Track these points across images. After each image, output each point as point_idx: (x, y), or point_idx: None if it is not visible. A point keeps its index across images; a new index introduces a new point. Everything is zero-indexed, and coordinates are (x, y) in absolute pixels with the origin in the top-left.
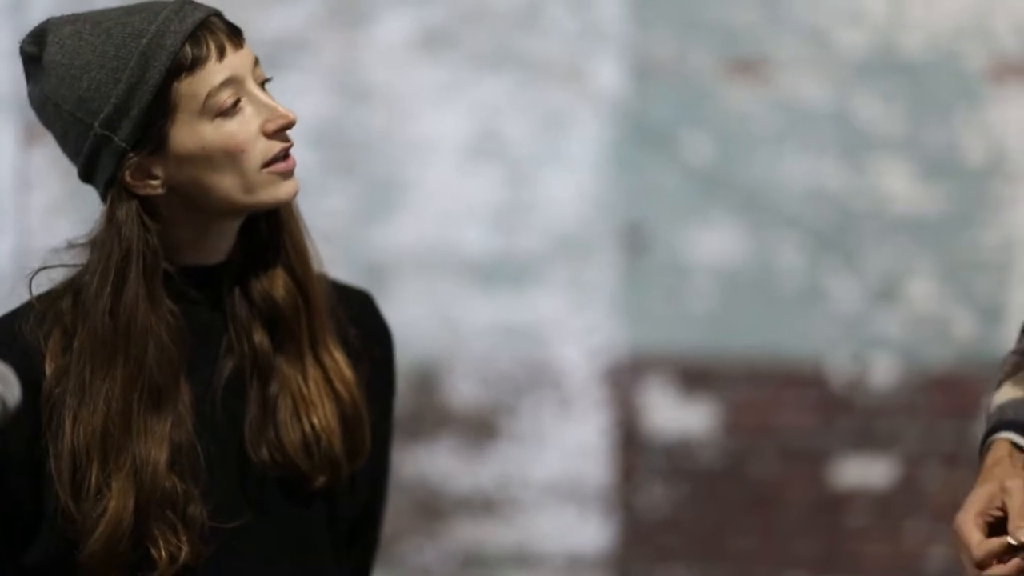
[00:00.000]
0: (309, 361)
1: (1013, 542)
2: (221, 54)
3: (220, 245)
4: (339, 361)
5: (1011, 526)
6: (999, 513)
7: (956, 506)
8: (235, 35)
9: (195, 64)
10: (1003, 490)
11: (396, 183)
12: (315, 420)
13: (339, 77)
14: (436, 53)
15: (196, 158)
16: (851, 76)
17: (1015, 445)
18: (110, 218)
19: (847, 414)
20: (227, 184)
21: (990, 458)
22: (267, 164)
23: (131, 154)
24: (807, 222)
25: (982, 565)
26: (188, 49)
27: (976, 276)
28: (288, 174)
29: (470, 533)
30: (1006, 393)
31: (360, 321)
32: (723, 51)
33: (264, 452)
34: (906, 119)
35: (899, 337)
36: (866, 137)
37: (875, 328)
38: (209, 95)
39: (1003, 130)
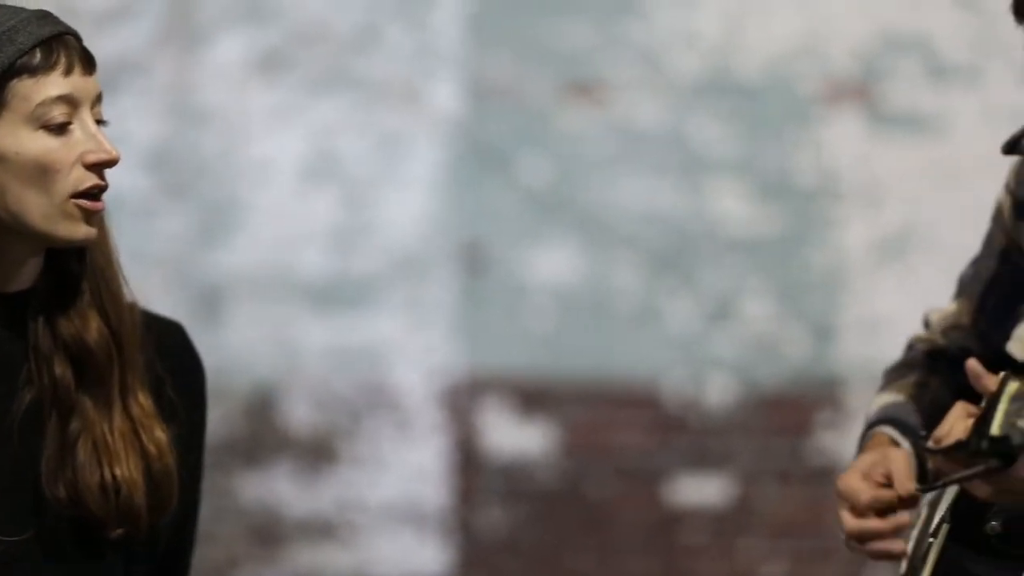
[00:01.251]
0: (117, 410)
1: (903, 493)
2: (68, 71)
3: (21, 272)
4: (149, 412)
5: (896, 483)
6: (881, 479)
7: (791, 523)
8: (88, 62)
9: (38, 69)
10: (886, 457)
11: (232, 205)
12: (117, 471)
13: (174, 99)
14: (272, 75)
15: (8, 163)
16: (686, 98)
17: (892, 439)
18: None
19: (682, 433)
20: (29, 202)
21: (870, 443)
22: (76, 195)
23: None
24: (643, 243)
25: (863, 512)
26: (37, 52)
27: (809, 296)
28: (91, 217)
29: (308, 557)
30: (885, 397)
31: (171, 353)
32: (560, 73)
33: (60, 490)
34: (740, 141)
35: (733, 357)
36: (701, 159)
37: (710, 348)
38: (42, 104)
39: (835, 152)
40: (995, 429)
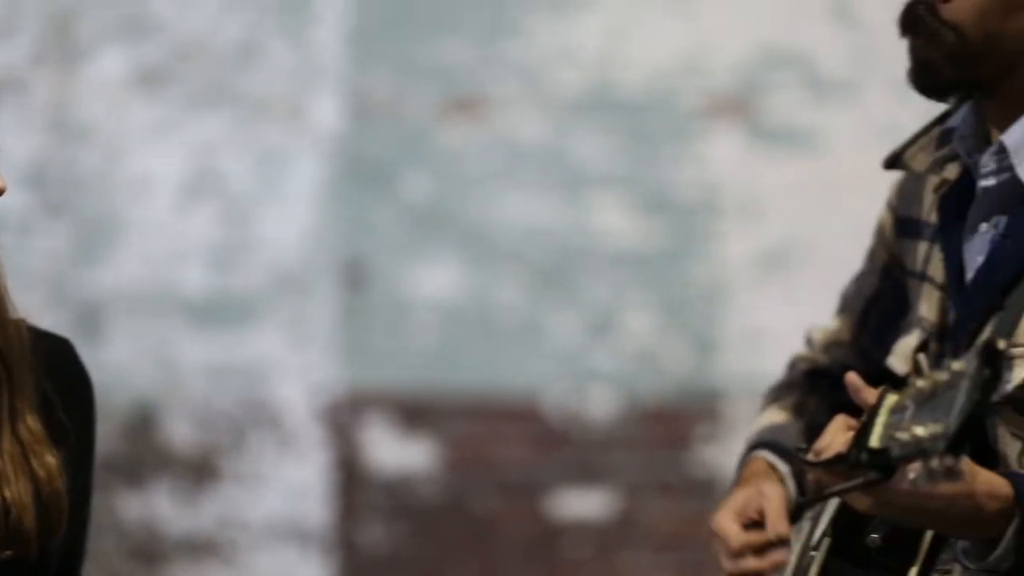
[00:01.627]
0: (6, 435)
1: (773, 537)
2: None
3: None
4: (39, 436)
5: (769, 523)
6: (755, 516)
7: (673, 536)
8: None
9: None
10: (760, 494)
11: (112, 222)
12: (6, 494)
13: (53, 115)
14: (152, 91)
15: None
16: (567, 114)
17: (770, 464)
18: None
19: (565, 447)
20: None
21: (748, 471)
22: None
23: None
24: (525, 258)
25: (738, 555)
26: None
27: (690, 309)
28: None
29: (190, 575)
30: (767, 417)
31: (59, 371)
32: (441, 89)
33: None
34: (622, 156)
35: (616, 370)
36: (583, 174)
37: (592, 362)
38: None
39: (716, 166)
40: (874, 441)
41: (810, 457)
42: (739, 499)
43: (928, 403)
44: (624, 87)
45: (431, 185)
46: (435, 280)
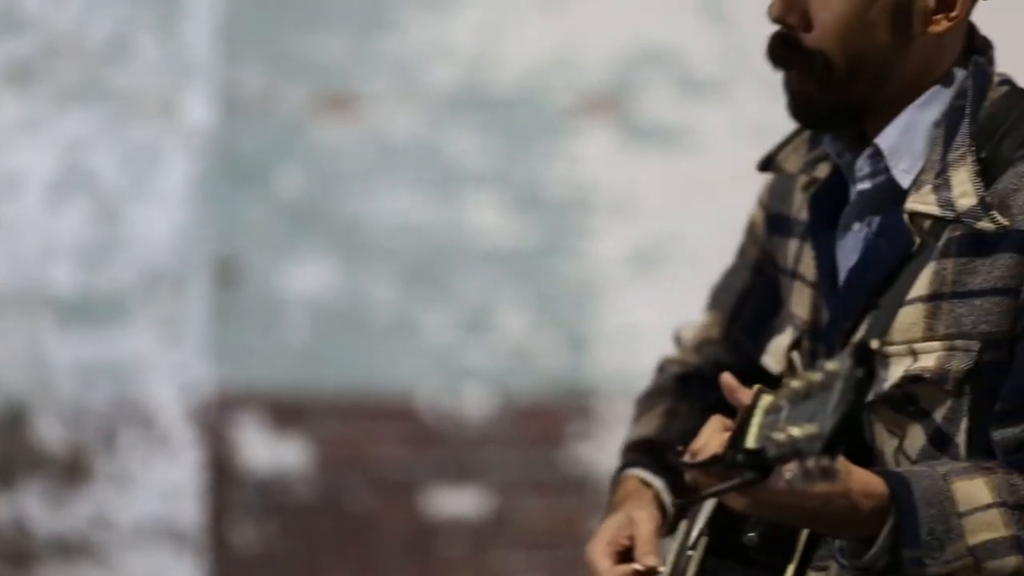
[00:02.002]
0: None
1: (640, 568)
2: None
3: None
4: None
5: (638, 553)
6: (627, 542)
7: (548, 534)
8: None
9: None
10: (631, 520)
11: None
12: None
13: None
14: (21, 87)
15: None
16: (441, 110)
17: (643, 481)
18: None
19: (439, 445)
20: None
21: (620, 492)
22: None
23: None
24: (399, 255)
25: None
26: None
27: (563, 307)
28: None
29: None
30: (639, 428)
31: None
32: (313, 85)
33: None
34: (495, 153)
35: (490, 368)
36: (456, 171)
37: (466, 360)
38: None
39: (589, 164)
40: (750, 442)
41: (686, 458)
42: (610, 527)
43: (803, 403)
44: (497, 84)
45: (304, 181)
46: (308, 277)
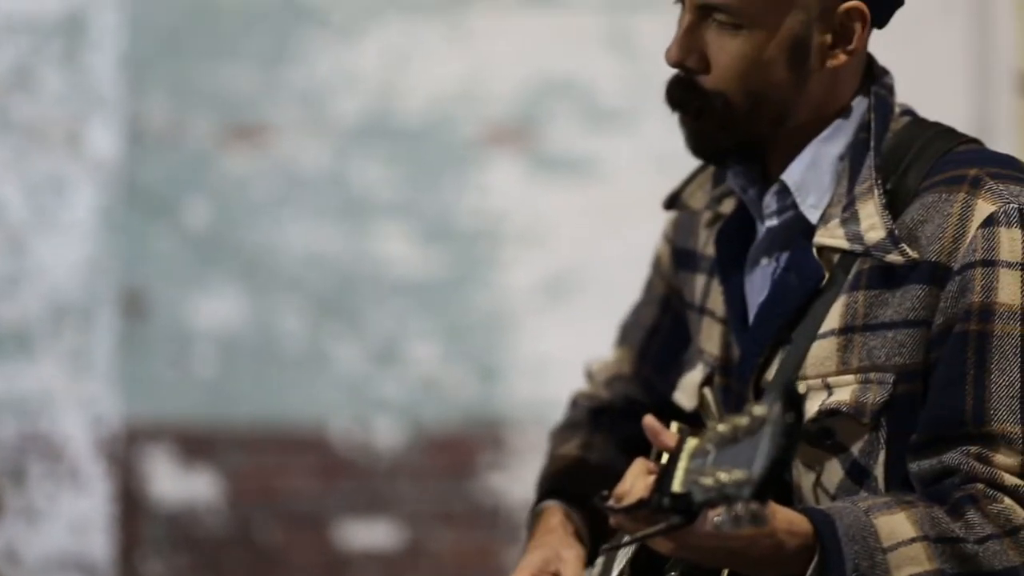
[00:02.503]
0: None
1: None
2: None
3: None
4: None
5: None
6: None
7: (461, 566)
8: None
9: None
10: (558, 557)
11: None
12: None
13: None
14: None
15: None
16: (348, 141)
17: (564, 514)
18: None
19: (351, 477)
20: None
21: (542, 525)
22: None
23: None
24: (308, 286)
25: None
26: None
27: (474, 337)
28: None
29: None
30: (556, 461)
31: None
32: (220, 116)
33: None
34: (403, 183)
35: (401, 399)
36: (364, 201)
37: (377, 391)
38: None
39: (497, 194)
40: (676, 486)
41: (611, 503)
42: (535, 562)
43: (729, 447)
44: (404, 114)
45: (211, 213)
46: (216, 309)
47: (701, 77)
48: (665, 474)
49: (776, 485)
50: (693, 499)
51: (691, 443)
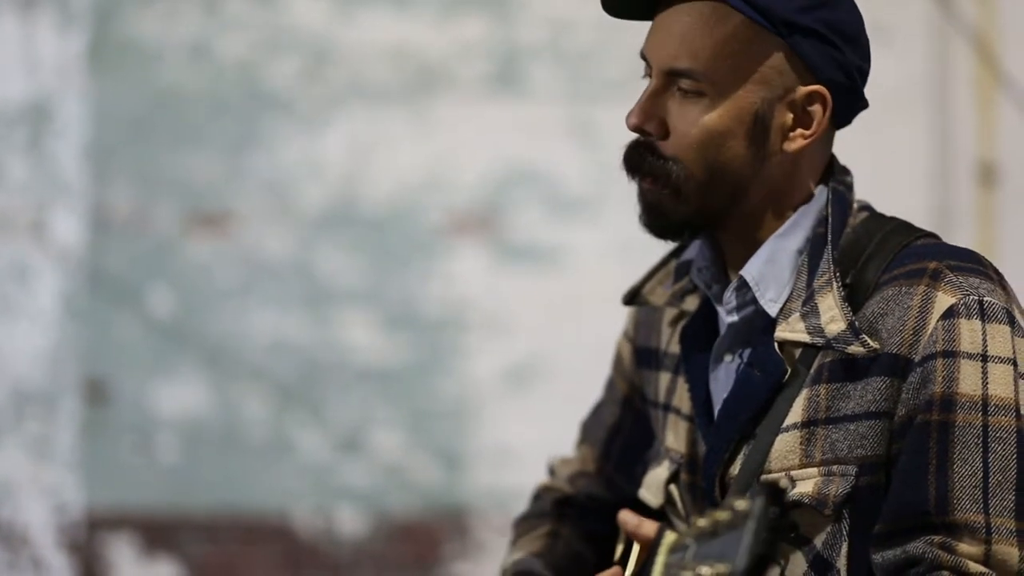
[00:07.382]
0: None
1: None
2: None
3: None
4: None
5: None
6: None
7: None
8: None
9: None
10: None
11: None
12: None
13: None
14: None
15: None
16: (313, 229)
17: None
18: None
19: (314, 566)
20: None
21: None
22: None
23: None
24: (272, 374)
25: None
26: None
27: (438, 425)
28: None
29: None
30: (521, 548)
31: None
32: (184, 204)
33: None
34: (367, 271)
35: (364, 487)
36: (328, 289)
37: (341, 479)
38: None
39: (461, 282)
40: None
41: None
42: None
43: (710, 541)
44: (369, 203)
45: (175, 300)
46: (179, 397)
47: (660, 143)
48: (643, 568)
49: None
50: None
51: (669, 537)
